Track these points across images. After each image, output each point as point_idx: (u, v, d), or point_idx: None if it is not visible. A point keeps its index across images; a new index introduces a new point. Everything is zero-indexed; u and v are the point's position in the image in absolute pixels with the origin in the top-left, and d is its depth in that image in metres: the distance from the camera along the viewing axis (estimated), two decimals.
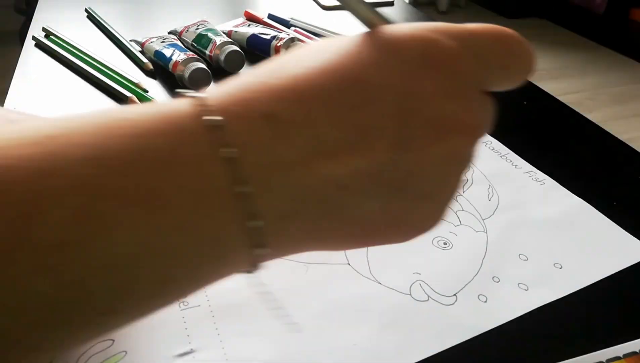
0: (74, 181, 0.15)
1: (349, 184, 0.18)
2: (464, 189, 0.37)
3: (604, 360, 0.25)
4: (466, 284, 0.30)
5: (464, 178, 0.21)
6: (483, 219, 0.35)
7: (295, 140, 0.17)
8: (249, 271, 0.19)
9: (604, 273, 0.31)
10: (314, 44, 0.20)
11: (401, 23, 0.20)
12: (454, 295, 0.29)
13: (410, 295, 0.28)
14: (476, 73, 0.20)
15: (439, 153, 0.19)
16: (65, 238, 0.14)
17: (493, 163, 0.40)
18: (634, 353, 0.26)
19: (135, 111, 0.17)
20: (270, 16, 0.67)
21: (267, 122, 0.17)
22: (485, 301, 0.28)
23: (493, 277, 0.30)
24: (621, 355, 0.25)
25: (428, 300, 0.28)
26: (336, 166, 0.18)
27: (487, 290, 0.29)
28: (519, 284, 0.30)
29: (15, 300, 0.14)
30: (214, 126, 0.17)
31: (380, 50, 0.19)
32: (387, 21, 0.20)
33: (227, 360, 0.25)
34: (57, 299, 0.15)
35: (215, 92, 0.18)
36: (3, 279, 0.14)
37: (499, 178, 0.39)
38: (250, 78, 0.18)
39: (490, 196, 0.37)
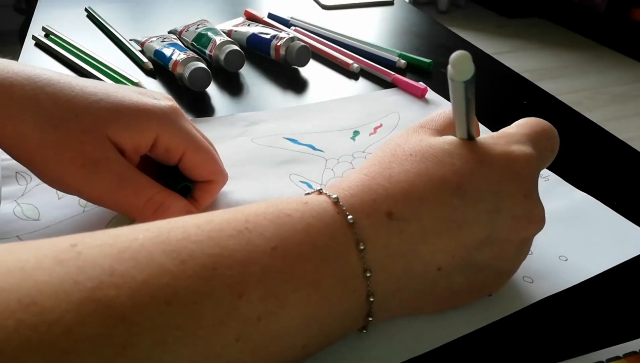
0: (263, 273, 0.19)
1: (445, 265, 0.24)
2: None
3: (604, 360, 0.25)
4: None
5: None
6: None
7: (407, 233, 0.23)
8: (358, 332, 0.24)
9: (610, 263, 0.31)
10: (406, 145, 0.25)
11: (482, 136, 0.26)
12: None
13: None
14: (539, 169, 0.26)
15: (518, 239, 0.25)
16: (259, 312, 0.19)
17: None
18: (634, 353, 0.26)
19: (291, 207, 0.22)
20: (270, 15, 0.67)
21: (387, 219, 0.22)
22: (490, 295, 0.28)
23: None
24: (621, 355, 0.25)
25: None
26: (437, 252, 0.23)
27: None
28: (523, 277, 0.30)
29: None
30: (350, 224, 0.22)
31: (472, 162, 0.24)
32: (472, 136, 0.25)
33: None
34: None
35: (342, 190, 0.23)
36: (210, 342, 0.18)
37: None
38: (366, 179, 0.24)
39: None
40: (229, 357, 0.19)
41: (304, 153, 0.41)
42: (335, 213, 0.22)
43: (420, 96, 0.50)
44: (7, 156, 0.37)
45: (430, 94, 0.51)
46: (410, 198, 0.23)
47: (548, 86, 0.60)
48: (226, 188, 0.36)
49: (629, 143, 0.44)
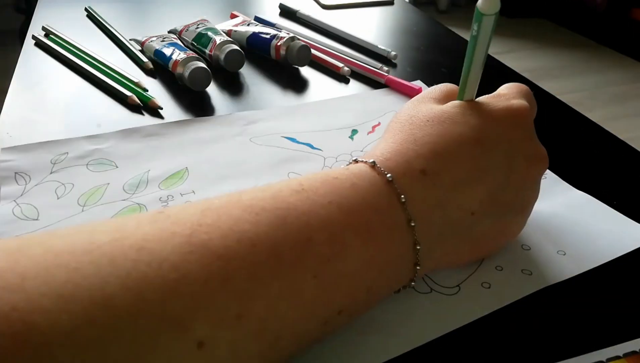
0: (325, 221, 0.22)
1: (477, 209, 0.27)
2: None
3: (604, 360, 0.25)
4: (469, 275, 0.30)
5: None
6: None
7: (441, 185, 0.26)
8: (407, 286, 0.27)
9: (608, 256, 0.31)
10: (420, 111, 0.29)
11: (483, 97, 0.30)
12: (457, 285, 0.29)
13: (413, 288, 0.28)
14: (533, 117, 0.31)
15: (531, 176, 0.29)
16: (327, 253, 0.22)
17: None
18: (634, 353, 0.26)
19: (336, 172, 0.25)
20: (257, 19, 0.66)
21: (421, 175, 0.25)
22: (489, 287, 0.29)
23: (496, 266, 0.30)
24: (621, 354, 0.25)
25: (431, 292, 0.29)
26: (468, 197, 0.26)
27: (490, 278, 0.30)
28: (522, 270, 0.30)
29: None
30: (389, 181, 0.25)
31: (483, 117, 0.27)
32: (474, 97, 0.29)
33: None
34: (317, 297, 0.22)
35: (376, 156, 0.26)
36: (292, 277, 0.21)
37: None
38: (395, 146, 0.27)
39: None
40: (309, 293, 0.21)
41: (302, 151, 0.41)
42: (376, 174, 0.25)
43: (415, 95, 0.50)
44: (6, 158, 0.37)
45: None
46: (438, 155, 0.26)
47: (548, 85, 0.60)
48: (225, 187, 0.36)
49: (629, 143, 0.44)
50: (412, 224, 0.25)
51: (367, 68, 0.54)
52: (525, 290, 0.29)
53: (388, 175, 0.25)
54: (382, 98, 0.50)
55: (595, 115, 1.66)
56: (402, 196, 0.25)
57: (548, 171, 0.39)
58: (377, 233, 0.24)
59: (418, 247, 0.25)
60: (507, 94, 0.30)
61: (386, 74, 0.53)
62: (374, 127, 0.45)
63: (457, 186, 0.26)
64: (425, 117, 0.28)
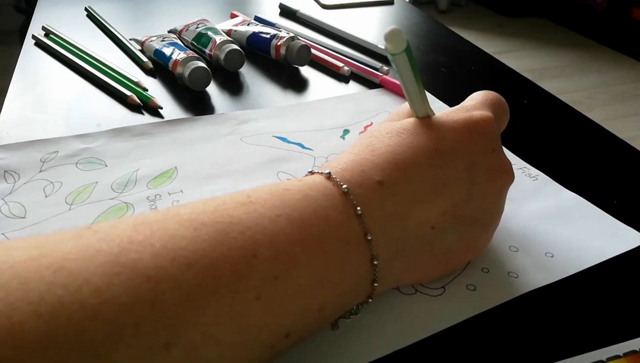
0: (272, 236, 0.21)
1: (437, 223, 0.26)
2: None
3: (604, 359, 0.25)
4: (455, 276, 0.30)
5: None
6: None
7: (399, 196, 0.24)
8: (365, 303, 0.26)
9: (596, 259, 0.31)
10: (380, 128, 0.28)
11: (445, 110, 0.29)
12: (442, 287, 0.29)
13: (398, 289, 0.28)
14: (499, 129, 0.30)
15: (494, 189, 0.28)
16: (274, 271, 0.20)
17: None
18: (634, 352, 0.26)
19: (288, 183, 0.24)
20: (257, 18, 0.66)
21: (378, 186, 0.24)
22: (474, 290, 0.29)
23: (482, 268, 0.30)
24: (621, 354, 0.25)
25: (415, 293, 0.28)
26: (428, 210, 0.25)
27: (476, 280, 0.29)
28: (509, 272, 0.30)
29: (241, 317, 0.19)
30: (345, 193, 0.24)
31: (443, 128, 0.27)
32: (433, 113, 0.28)
33: None
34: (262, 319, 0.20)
35: (332, 167, 0.25)
36: (232, 300, 0.19)
37: None
38: (352, 156, 0.26)
39: None
40: (252, 316, 0.19)
41: (293, 151, 0.41)
42: (331, 185, 0.24)
43: None
44: None
45: None
46: (396, 165, 0.25)
47: (548, 85, 0.60)
48: (214, 186, 0.36)
49: (629, 143, 0.44)
50: (369, 237, 0.23)
51: (363, 68, 0.54)
52: (510, 294, 0.28)
53: (344, 186, 0.24)
54: (376, 98, 0.50)
55: (595, 115, 1.66)
56: (359, 208, 0.23)
57: (540, 172, 0.39)
58: (331, 248, 0.22)
59: (375, 262, 0.24)
60: (469, 105, 0.29)
61: (382, 75, 0.53)
62: (366, 127, 0.45)
63: (416, 199, 0.25)
64: (385, 130, 0.27)
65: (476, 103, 0.29)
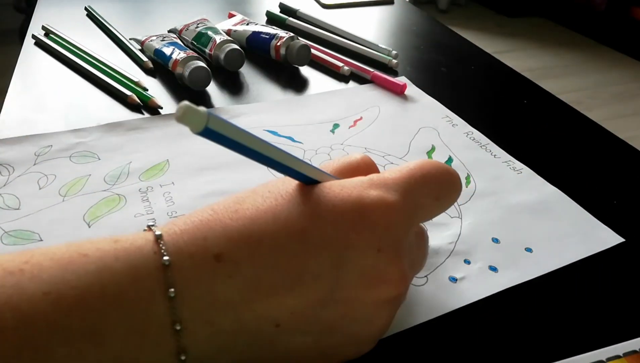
0: (23, 320, 0.16)
1: (283, 322, 0.20)
2: None
3: (604, 359, 0.25)
4: (437, 266, 0.30)
5: (394, 313, 0.24)
6: (459, 206, 0.36)
7: (237, 279, 0.19)
8: None
9: (572, 258, 0.31)
10: (271, 184, 0.23)
11: (342, 180, 0.23)
12: (425, 276, 0.29)
13: None
14: (410, 220, 0.23)
15: (369, 300, 0.21)
16: None
17: (472, 152, 0.41)
18: (634, 352, 0.26)
19: (95, 246, 0.19)
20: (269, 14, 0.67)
21: (214, 262, 0.19)
22: (456, 282, 0.29)
23: (464, 259, 0.31)
24: (621, 354, 0.26)
25: None
26: (272, 305, 0.20)
27: (457, 272, 0.30)
28: (489, 266, 0.31)
29: None
30: (165, 266, 0.19)
31: (323, 205, 0.21)
32: (330, 177, 0.23)
33: None
34: None
35: (174, 226, 0.20)
36: None
37: (477, 167, 0.40)
38: (208, 214, 0.21)
39: (467, 184, 0.38)
40: None
41: (283, 144, 0.42)
42: (152, 253, 0.19)
43: (399, 92, 0.50)
44: None
45: (412, 90, 0.51)
46: (247, 238, 0.20)
47: (548, 85, 0.60)
48: (207, 178, 0.37)
49: (629, 142, 0.44)
50: (178, 327, 0.18)
51: (356, 66, 0.54)
52: (489, 290, 0.29)
53: (165, 257, 0.19)
54: (366, 93, 0.51)
55: (595, 114, 1.66)
56: (172, 289, 0.18)
57: (524, 166, 0.40)
58: (112, 340, 0.18)
59: (183, 358, 0.19)
60: (382, 180, 0.23)
61: (372, 71, 0.53)
62: (355, 121, 0.46)
63: (259, 287, 0.20)
64: (270, 188, 0.22)
65: (393, 178, 0.23)
